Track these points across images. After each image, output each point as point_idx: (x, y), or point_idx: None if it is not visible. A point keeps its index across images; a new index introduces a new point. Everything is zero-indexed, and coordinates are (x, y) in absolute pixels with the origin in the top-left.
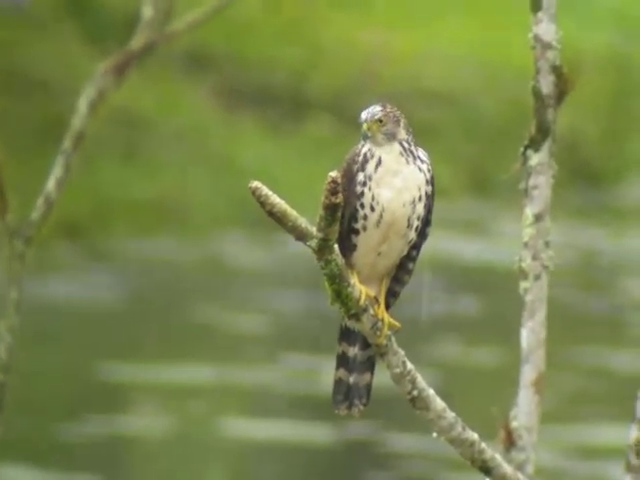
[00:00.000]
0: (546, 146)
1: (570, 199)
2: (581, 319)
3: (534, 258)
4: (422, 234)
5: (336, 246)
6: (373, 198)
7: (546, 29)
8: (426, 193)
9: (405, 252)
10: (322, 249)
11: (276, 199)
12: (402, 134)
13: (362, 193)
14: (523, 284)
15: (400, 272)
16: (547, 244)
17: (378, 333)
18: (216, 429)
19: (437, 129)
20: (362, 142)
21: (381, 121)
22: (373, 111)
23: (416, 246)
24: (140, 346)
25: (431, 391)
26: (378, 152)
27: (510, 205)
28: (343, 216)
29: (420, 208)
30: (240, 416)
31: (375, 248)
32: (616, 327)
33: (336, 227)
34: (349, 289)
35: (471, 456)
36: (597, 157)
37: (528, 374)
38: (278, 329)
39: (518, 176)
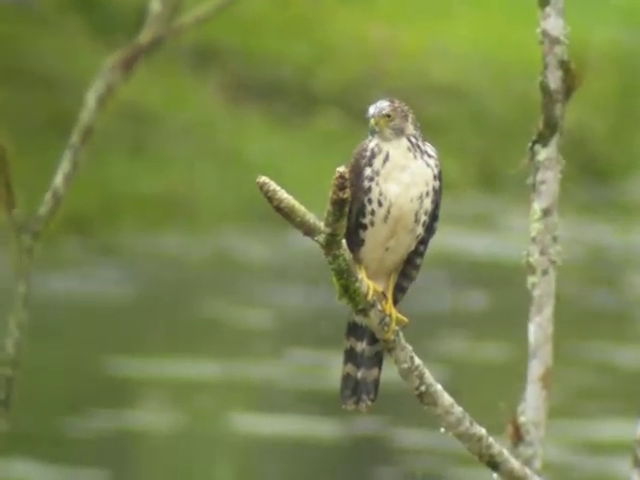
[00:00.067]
0: (554, 141)
1: (577, 194)
2: (588, 314)
3: (542, 253)
4: (430, 229)
5: (344, 241)
6: (381, 193)
7: (554, 24)
8: (434, 188)
9: (413, 247)
10: (330, 244)
11: (284, 194)
12: (410, 129)
13: (370, 188)
14: (531, 279)
15: (408, 267)
16: (555, 239)
17: (386, 328)
18: (223, 424)
19: (445, 124)
20: (370, 137)
21: (389, 116)
22: (381, 106)
23: (424, 241)
24: (147, 341)
25: (439, 386)
26: (386, 147)
27: (518, 200)
28: (351, 211)
29: (428, 203)
30: (247, 411)
31: (383, 243)
32: (623, 322)
33: (344, 222)
34: (357, 284)
35: (479, 451)
36: (604, 153)
37: (536, 369)
38: (285, 324)
39: (526, 171)
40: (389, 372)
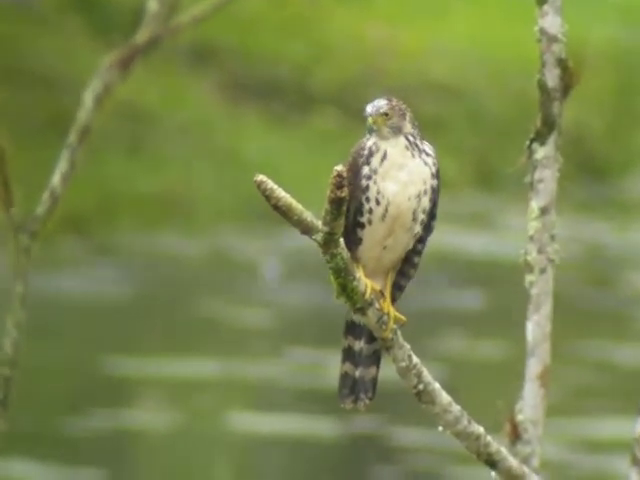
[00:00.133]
0: (552, 139)
1: (575, 193)
2: (586, 313)
3: (540, 251)
4: (427, 228)
5: (342, 240)
6: (378, 192)
7: (552, 22)
8: (431, 186)
9: (410, 246)
10: (328, 243)
11: (281, 193)
12: (408, 128)
13: (367, 187)
14: (529, 277)
15: (406, 266)
16: (553, 237)
17: (384, 327)
18: (221, 423)
19: (443, 122)
20: (367, 136)
21: (387, 115)
22: (379, 104)
23: (421, 240)
24: (145, 340)
25: (437, 385)
26: (384, 146)
27: (516, 198)
28: (348, 210)
29: (425, 201)
30: (245, 410)
31: (381, 242)
32: (621, 321)
33: (342, 221)
34: (355, 283)
35: (477, 450)
36: (602, 151)
37: (534, 367)
38: (283, 323)
39: (524, 169)
40: (387, 371)
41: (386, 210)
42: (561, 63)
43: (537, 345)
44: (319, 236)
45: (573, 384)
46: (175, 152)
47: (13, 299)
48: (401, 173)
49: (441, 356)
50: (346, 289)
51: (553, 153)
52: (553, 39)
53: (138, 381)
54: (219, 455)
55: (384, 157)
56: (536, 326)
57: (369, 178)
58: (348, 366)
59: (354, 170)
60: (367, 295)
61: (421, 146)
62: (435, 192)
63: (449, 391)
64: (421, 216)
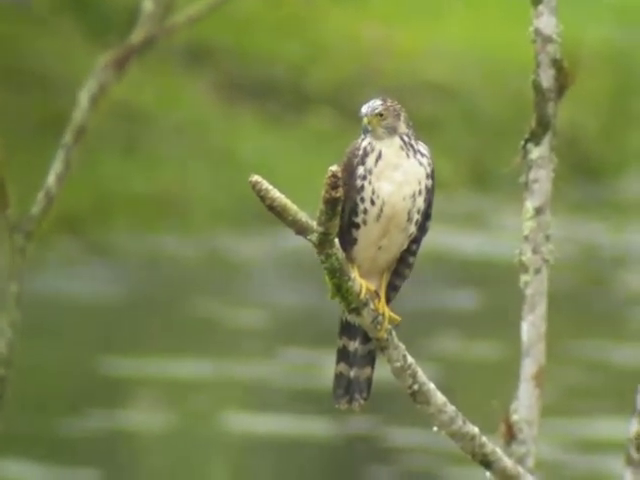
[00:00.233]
0: (546, 140)
1: (570, 193)
2: (581, 313)
3: (534, 252)
4: (422, 228)
5: (336, 240)
6: (373, 192)
7: (547, 22)
8: (426, 187)
9: (405, 246)
10: (322, 243)
11: (276, 193)
12: (402, 128)
13: (362, 187)
14: (523, 278)
15: (400, 266)
16: (547, 238)
17: (379, 327)
18: (216, 423)
19: (438, 123)
20: (362, 136)
21: (381, 115)
22: (373, 105)
23: (416, 240)
24: (140, 340)
25: (432, 385)
26: (378, 146)
27: (510, 198)
28: (343, 210)
29: (420, 202)
30: (240, 410)
31: (375, 242)
32: (616, 321)
33: (336, 221)
34: (349, 283)
35: (472, 450)
36: (597, 151)
37: (528, 368)
38: (278, 323)
39: (519, 170)
40: (382, 371)
41: (381, 210)
42: (556, 63)
43: (532, 345)
44: (314, 236)
45: (568, 384)
46: (170, 152)
47: (8, 299)
48: (396, 173)
49: (436, 356)
50: (341, 289)
51: (548, 153)
52: (548, 39)
53: (134, 381)
54: (215, 455)
55: (379, 157)
56: (531, 326)
57: (364, 178)
58: (343, 366)
59: (349, 170)
60: (362, 295)
61: (416, 146)
62: (430, 192)
63: (444, 391)
64: (416, 216)
